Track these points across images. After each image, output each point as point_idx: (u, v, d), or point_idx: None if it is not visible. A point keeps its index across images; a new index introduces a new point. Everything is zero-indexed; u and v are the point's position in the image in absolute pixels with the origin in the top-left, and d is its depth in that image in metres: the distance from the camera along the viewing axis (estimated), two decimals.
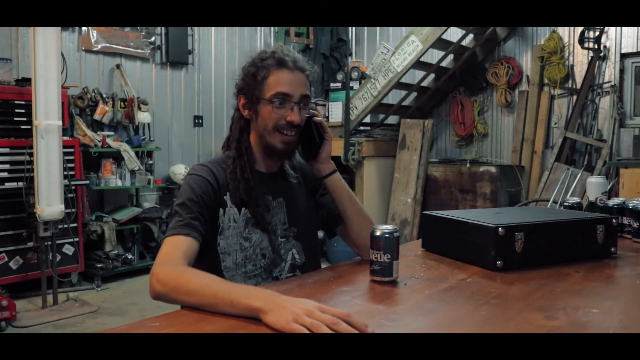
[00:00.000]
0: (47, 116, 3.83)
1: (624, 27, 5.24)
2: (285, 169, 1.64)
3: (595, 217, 1.68)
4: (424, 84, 6.02)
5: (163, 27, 5.70)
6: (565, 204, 2.14)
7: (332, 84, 6.22)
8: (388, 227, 1.33)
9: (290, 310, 0.99)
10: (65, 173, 4.09)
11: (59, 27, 4.09)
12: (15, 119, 4.26)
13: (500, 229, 1.45)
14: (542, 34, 5.69)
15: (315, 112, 1.57)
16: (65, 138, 4.26)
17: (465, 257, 1.56)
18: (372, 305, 1.16)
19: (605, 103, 5.36)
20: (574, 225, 1.63)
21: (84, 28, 5.10)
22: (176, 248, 1.32)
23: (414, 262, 1.57)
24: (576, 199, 2.12)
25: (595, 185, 2.27)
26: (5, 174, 4.18)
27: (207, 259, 1.45)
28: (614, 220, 1.65)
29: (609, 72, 5.33)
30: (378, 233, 1.32)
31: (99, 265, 4.73)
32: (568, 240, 1.59)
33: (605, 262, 1.58)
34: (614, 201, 2.03)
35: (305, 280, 1.38)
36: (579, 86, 5.44)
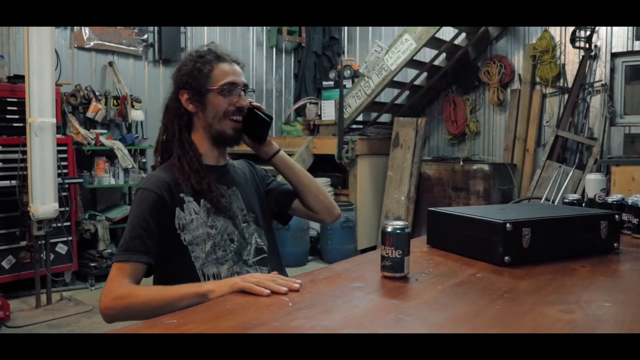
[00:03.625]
0: (41, 113, 3.80)
1: (614, 27, 5.30)
2: (230, 163, 1.73)
3: (598, 213, 1.70)
4: (417, 82, 6.04)
5: (156, 26, 5.67)
6: (565, 200, 2.16)
7: (324, 82, 6.23)
8: (399, 223, 1.33)
9: (235, 279, 1.24)
10: (59, 171, 4.05)
11: None
12: (8, 116, 4.22)
13: (508, 225, 1.46)
14: (534, 33, 5.74)
15: (252, 98, 1.70)
16: (58, 136, 4.22)
17: (472, 252, 1.56)
18: (388, 300, 1.16)
19: (596, 102, 5.42)
20: (578, 221, 1.64)
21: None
22: (119, 275, 1.42)
23: (421, 258, 1.58)
24: (576, 196, 2.14)
25: (593, 182, 2.29)
26: None
27: (174, 256, 1.52)
28: (616, 216, 1.67)
29: (600, 71, 5.39)
30: (389, 229, 1.32)
31: (92, 264, 4.70)
32: (573, 235, 1.61)
33: (609, 257, 1.60)
34: (613, 197, 2.05)
35: (316, 277, 1.38)
36: (570, 85, 5.49)
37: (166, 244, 1.49)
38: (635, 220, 1.93)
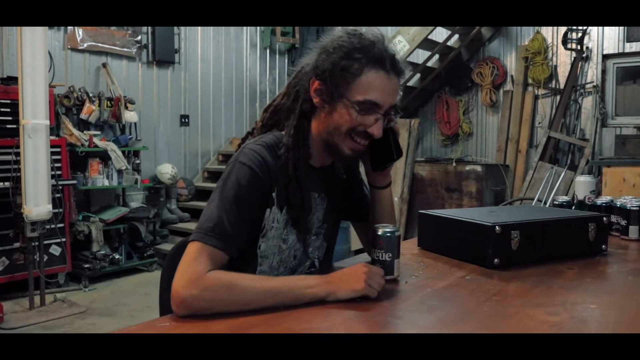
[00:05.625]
0: (34, 115, 3.80)
1: (605, 29, 5.34)
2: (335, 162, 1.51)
3: (587, 216, 1.72)
4: (410, 83, 6.07)
5: (149, 26, 5.68)
6: (555, 202, 2.19)
7: None
8: (389, 227, 1.35)
9: (356, 277, 1.15)
10: (52, 173, 4.05)
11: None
12: (1, 118, 4.21)
13: (497, 228, 1.48)
14: (526, 34, 5.78)
15: (395, 121, 1.38)
16: (52, 137, 4.22)
17: (462, 255, 1.58)
18: (377, 302, 1.18)
19: (587, 103, 5.47)
20: (567, 223, 1.67)
21: (69, 26, 5.06)
22: (207, 261, 1.15)
23: (411, 260, 1.59)
24: (566, 198, 2.17)
25: (583, 184, 2.31)
26: None
27: (245, 264, 1.32)
28: (604, 219, 1.69)
29: (592, 72, 5.44)
30: (379, 232, 1.34)
31: (86, 266, 4.70)
32: (561, 238, 1.63)
33: (597, 259, 1.62)
34: (602, 199, 2.08)
35: None
36: (562, 86, 5.54)
37: (244, 243, 1.27)
38: (623, 222, 1.96)
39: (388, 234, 1.33)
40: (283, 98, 1.42)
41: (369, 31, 1.32)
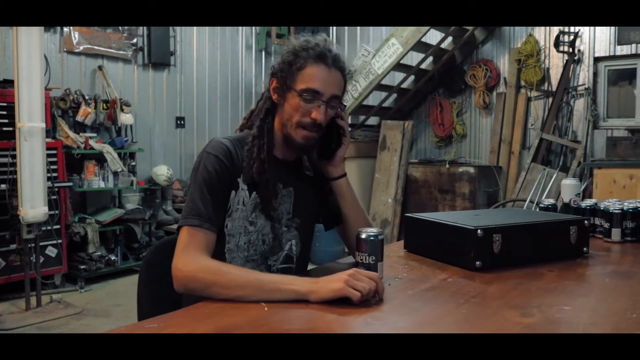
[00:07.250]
0: (30, 118, 3.83)
1: (597, 32, 5.39)
2: (302, 159, 1.65)
3: (568, 219, 1.76)
4: (404, 85, 6.11)
5: (145, 28, 5.71)
6: (540, 205, 2.23)
7: None
8: (373, 230, 1.39)
9: (337, 278, 1.20)
10: (49, 175, 4.08)
11: (42, 28, 4.08)
12: None
13: (479, 231, 1.52)
14: (519, 37, 5.83)
15: (342, 113, 1.57)
16: (48, 140, 4.24)
17: (445, 257, 1.63)
18: (359, 305, 1.22)
19: (579, 105, 5.52)
20: (548, 226, 1.71)
21: (65, 29, 5.09)
22: (193, 240, 1.36)
23: (397, 262, 1.63)
24: (551, 201, 2.21)
25: (569, 187, 2.37)
26: None
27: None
28: (585, 222, 1.74)
29: (583, 75, 5.49)
30: (363, 236, 1.38)
31: (82, 267, 4.73)
32: (543, 240, 1.67)
33: (578, 262, 1.66)
34: (586, 202, 2.12)
35: None
36: (554, 88, 5.58)
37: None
38: (606, 225, 2.00)
39: (371, 238, 1.37)
40: (258, 104, 1.61)
41: (318, 37, 1.51)
